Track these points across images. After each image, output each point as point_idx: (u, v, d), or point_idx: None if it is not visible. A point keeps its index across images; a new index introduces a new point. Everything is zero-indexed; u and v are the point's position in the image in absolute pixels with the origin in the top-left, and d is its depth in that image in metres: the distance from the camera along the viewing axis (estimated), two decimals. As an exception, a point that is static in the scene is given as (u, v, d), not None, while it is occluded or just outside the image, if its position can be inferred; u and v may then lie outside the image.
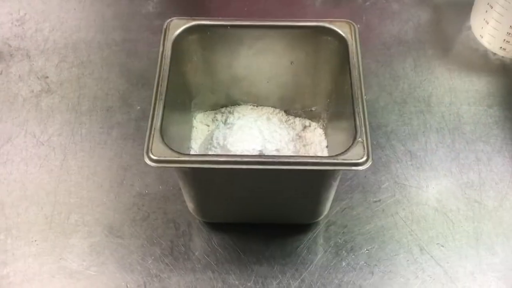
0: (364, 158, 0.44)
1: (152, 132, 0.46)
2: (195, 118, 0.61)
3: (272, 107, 0.61)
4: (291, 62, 0.56)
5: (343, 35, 0.52)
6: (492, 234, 0.56)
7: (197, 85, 0.58)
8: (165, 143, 0.45)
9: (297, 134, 0.60)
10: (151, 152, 0.45)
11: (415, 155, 0.61)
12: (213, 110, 0.61)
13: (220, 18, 0.54)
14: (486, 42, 0.70)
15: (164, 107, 0.47)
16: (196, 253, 0.54)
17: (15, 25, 0.73)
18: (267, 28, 0.53)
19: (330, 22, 0.53)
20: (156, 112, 0.47)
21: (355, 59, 0.50)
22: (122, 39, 0.71)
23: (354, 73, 0.49)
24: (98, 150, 0.61)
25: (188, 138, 0.59)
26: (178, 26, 0.52)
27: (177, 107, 0.54)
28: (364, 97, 0.48)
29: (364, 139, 0.45)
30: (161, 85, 0.49)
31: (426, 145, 0.62)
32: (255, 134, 0.56)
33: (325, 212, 0.55)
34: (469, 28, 0.73)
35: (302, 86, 0.58)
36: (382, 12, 0.75)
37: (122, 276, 0.53)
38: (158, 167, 0.45)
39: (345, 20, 0.53)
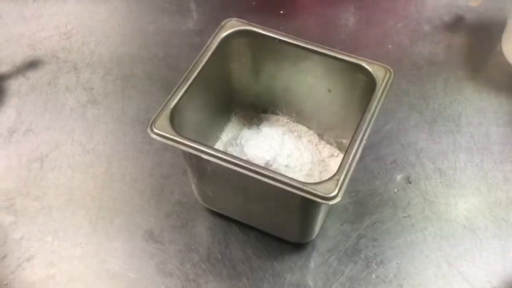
0: (333, 194, 0.44)
1: (163, 109, 0.49)
2: (235, 114, 0.64)
3: (308, 127, 0.64)
4: (329, 90, 0.58)
5: (375, 78, 0.52)
6: (519, 252, 0.57)
7: (243, 85, 0.62)
8: (171, 122, 0.49)
9: (321, 160, 0.61)
10: (155, 126, 0.48)
11: (445, 173, 0.63)
12: (255, 112, 0.65)
13: (271, 29, 0.56)
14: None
15: (186, 91, 0.51)
16: (232, 261, 0.57)
17: (63, 39, 0.78)
18: (308, 51, 0.55)
19: (369, 63, 0.53)
20: (176, 93, 0.51)
21: (374, 104, 0.50)
22: (164, 54, 0.75)
23: (366, 116, 0.49)
24: (141, 159, 0.64)
25: (221, 130, 0.63)
26: (232, 26, 0.56)
27: (214, 98, 0.58)
28: (364, 141, 0.48)
29: (342, 178, 0.45)
30: (191, 71, 0.53)
31: (455, 164, 0.64)
32: (273, 145, 0.59)
33: (312, 237, 0.56)
34: (500, 51, 0.74)
35: (336, 116, 0.60)
36: (414, 33, 0.77)
37: (161, 280, 0.56)
38: (157, 140, 0.48)
39: (384, 65, 0.53)
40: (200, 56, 0.54)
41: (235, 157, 0.47)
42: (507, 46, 0.73)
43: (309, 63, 0.56)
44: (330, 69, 0.56)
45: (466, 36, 0.77)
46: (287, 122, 0.64)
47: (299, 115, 0.64)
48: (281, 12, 0.80)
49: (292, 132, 0.64)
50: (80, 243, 0.58)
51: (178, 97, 0.51)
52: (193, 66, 0.53)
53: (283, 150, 0.59)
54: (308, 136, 0.63)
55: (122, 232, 0.59)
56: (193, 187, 0.58)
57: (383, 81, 0.52)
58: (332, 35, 0.78)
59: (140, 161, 0.64)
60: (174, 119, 0.50)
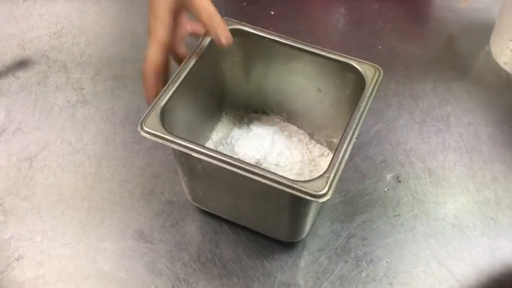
0: (324, 191, 0.44)
1: (153, 107, 0.50)
2: (226, 113, 0.65)
3: (298, 127, 0.64)
4: (319, 90, 0.58)
5: (365, 77, 0.52)
6: (507, 251, 0.57)
7: (234, 84, 0.62)
8: (161, 120, 0.49)
9: (312, 159, 0.62)
10: (145, 124, 0.48)
11: (434, 172, 0.63)
12: (246, 111, 0.65)
13: (262, 29, 0.57)
14: (510, 68, 0.72)
15: (176, 89, 0.51)
16: (222, 260, 0.57)
17: (53, 38, 0.77)
18: (299, 50, 0.55)
19: (359, 62, 0.53)
20: (166, 91, 0.51)
21: (364, 103, 0.50)
22: (155, 54, 0.75)
23: (356, 114, 0.50)
24: (131, 159, 0.64)
25: (211, 129, 0.63)
26: None
27: (204, 97, 0.59)
28: (354, 139, 0.48)
29: (332, 176, 0.45)
30: (181, 70, 0.53)
31: (444, 163, 0.64)
32: (263, 144, 0.59)
33: (302, 236, 0.57)
34: (488, 52, 0.75)
35: (326, 115, 0.60)
36: (403, 34, 0.78)
37: (151, 279, 0.56)
38: (147, 138, 0.48)
39: (373, 64, 0.53)
40: (191, 55, 0.54)
41: (225, 155, 0.47)
42: (495, 47, 0.74)
43: (300, 62, 0.56)
44: (321, 69, 0.56)
45: (455, 37, 0.77)
46: (277, 122, 0.65)
47: (289, 115, 0.64)
48: (272, 13, 0.80)
49: (283, 131, 0.64)
50: (70, 243, 0.58)
51: (169, 95, 0.51)
52: (184, 65, 0.53)
53: (274, 149, 0.59)
54: (298, 136, 0.64)
55: (112, 232, 0.59)
56: (184, 186, 0.58)
57: (372, 80, 0.52)
58: (322, 36, 0.79)
59: (130, 161, 0.64)
60: (165, 118, 0.50)
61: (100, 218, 0.60)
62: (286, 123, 0.64)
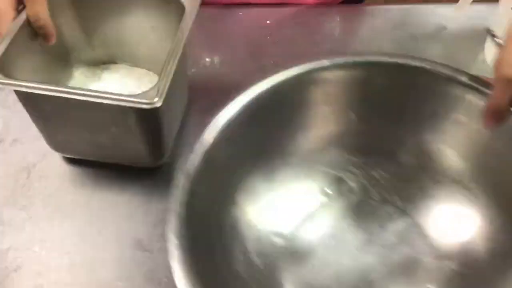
0: (155, 100, 0.49)
1: None
2: (76, 69, 0.67)
3: (147, 69, 0.67)
4: (152, 27, 0.61)
5: (183, 4, 0.56)
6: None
7: (75, 39, 0.64)
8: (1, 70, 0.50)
9: None
10: None
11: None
12: (95, 65, 0.67)
13: None
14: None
15: (10, 43, 0.52)
16: (221, 268, 0.57)
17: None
18: None
19: None
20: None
21: (185, 25, 0.54)
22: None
23: (180, 35, 0.54)
24: (129, 168, 0.64)
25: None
26: None
27: (49, 54, 0.60)
28: (178, 55, 0.52)
29: (162, 87, 0.49)
30: (15, 24, 0.54)
31: (441, 170, 0.64)
32: (113, 90, 0.62)
33: (163, 158, 0.61)
34: (483, 60, 0.75)
35: (166, 52, 0.62)
36: (398, 43, 0.79)
37: (150, 289, 0.56)
38: None
39: None
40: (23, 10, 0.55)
41: (63, 86, 0.52)
42: (490, 54, 0.75)
43: (131, 5, 0.60)
44: (148, 7, 0.60)
45: (449, 45, 0.78)
46: (126, 68, 0.68)
47: (136, 59, 0.67)
48: (268, 22, 0.81)
49: (132, 75, 0.67)
50: (68, 253, 0.58)
51: (3, 47, 0.52)
52: (17, 19, 0.54)
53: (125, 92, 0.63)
54: (148, 77, 0.67)
55: (110, 241, 0.59)
56: (43, 137, 0.60)
57: (192, 3, 0.56)
58: (318, 44, 0.79)
59: (128, 170, 0.64)
60: (5, 70, 0.51)
61: (98, 228, 0.60)
62: (134, 68, 0.67)
